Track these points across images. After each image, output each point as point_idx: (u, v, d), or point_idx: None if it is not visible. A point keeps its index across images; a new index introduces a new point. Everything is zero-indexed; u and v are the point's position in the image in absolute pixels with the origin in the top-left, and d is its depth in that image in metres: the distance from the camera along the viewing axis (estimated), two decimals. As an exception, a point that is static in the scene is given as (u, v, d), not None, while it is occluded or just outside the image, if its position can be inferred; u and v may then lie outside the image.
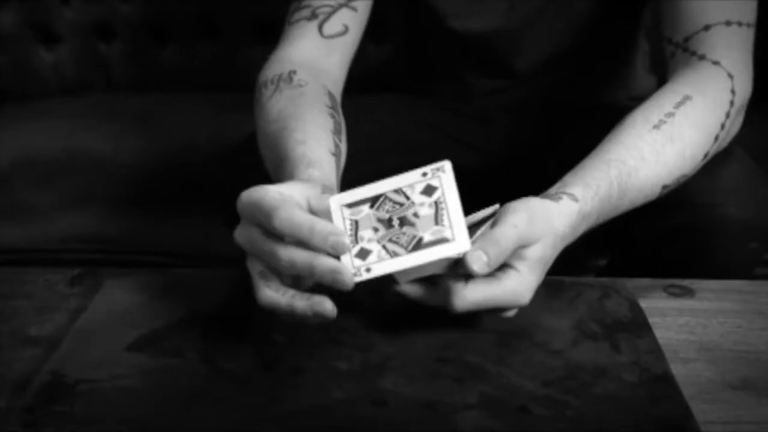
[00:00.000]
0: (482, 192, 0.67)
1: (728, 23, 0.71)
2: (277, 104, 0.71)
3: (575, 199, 0.58)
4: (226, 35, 1.49)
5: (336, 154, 0.64)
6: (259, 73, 0.77)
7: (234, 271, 0.67)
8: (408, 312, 0.59)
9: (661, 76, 0.98)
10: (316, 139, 0.64)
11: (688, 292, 0.65)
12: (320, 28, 0.79)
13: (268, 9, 1.43)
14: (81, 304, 0.63)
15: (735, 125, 0.72)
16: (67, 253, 1.26)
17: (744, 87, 0.70)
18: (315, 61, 0.77)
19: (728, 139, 0.72)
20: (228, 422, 0.49)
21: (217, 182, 0.84)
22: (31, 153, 1.30)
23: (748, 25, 0.72)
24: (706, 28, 0.71)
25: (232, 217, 0.82)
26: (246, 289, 0.63)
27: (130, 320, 0.59)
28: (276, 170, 0.64)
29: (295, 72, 0.74)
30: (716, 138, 0.67)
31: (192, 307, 0.61)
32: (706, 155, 0.67)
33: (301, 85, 0.73)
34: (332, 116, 0.69)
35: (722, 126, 0.67)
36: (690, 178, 0.67)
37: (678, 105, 0.66)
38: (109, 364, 0.54)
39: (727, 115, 0.68)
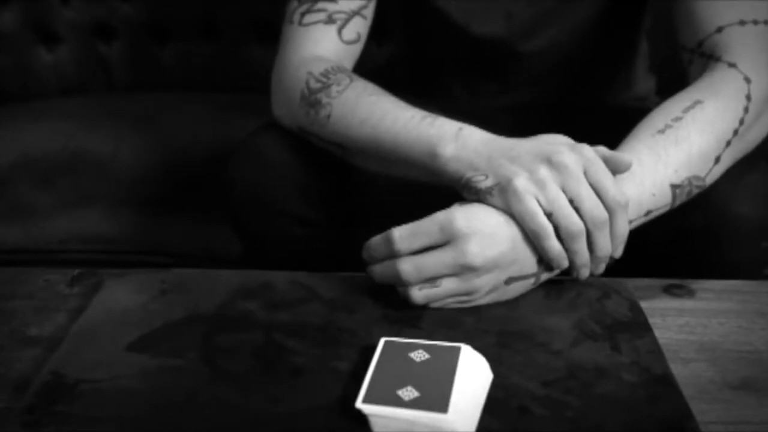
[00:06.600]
0: None
1: (742, 23, 0.69)
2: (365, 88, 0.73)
3: None
4: (226, 35, 1.49)
5: None
6: (303, 75, 0.75)
7: (234, 271, 0.67)
8: (408, 312, 0.59)
9: (660, 76, 0.98)
10: None
11: (689, 292, 0.65)
12: (339, 32, 0.78)
13: (268, 9, 1.43)
14: (81, 304, 0.63)
15: (756, 130, 0.69)
16: (67, 253, 1.26)
17: (762, 89, 0.68)
18: None
19: (746, 146, 0.69)
20: (228, 422, 0.49)
21: (217, 182, 0.84)
22: (31, 153, 1.30)
23: (765, 22, 0.70)
24: (719, 30, 0.70)
25: (234, 214, 0.83)
26: (245, 289, 0.63)
27: (130, 320, 0.59)
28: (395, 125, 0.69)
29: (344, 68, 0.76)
30: (728, 143, 0.65)
31: (192, 307, 0.61)
32: (717, 159, 0.65)
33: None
34: None
35: (735, 132, 0.66)
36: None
37: (687, 109, 0.65)
38: (109, 364, 0.54)
39: (741, 122, 0.66)
